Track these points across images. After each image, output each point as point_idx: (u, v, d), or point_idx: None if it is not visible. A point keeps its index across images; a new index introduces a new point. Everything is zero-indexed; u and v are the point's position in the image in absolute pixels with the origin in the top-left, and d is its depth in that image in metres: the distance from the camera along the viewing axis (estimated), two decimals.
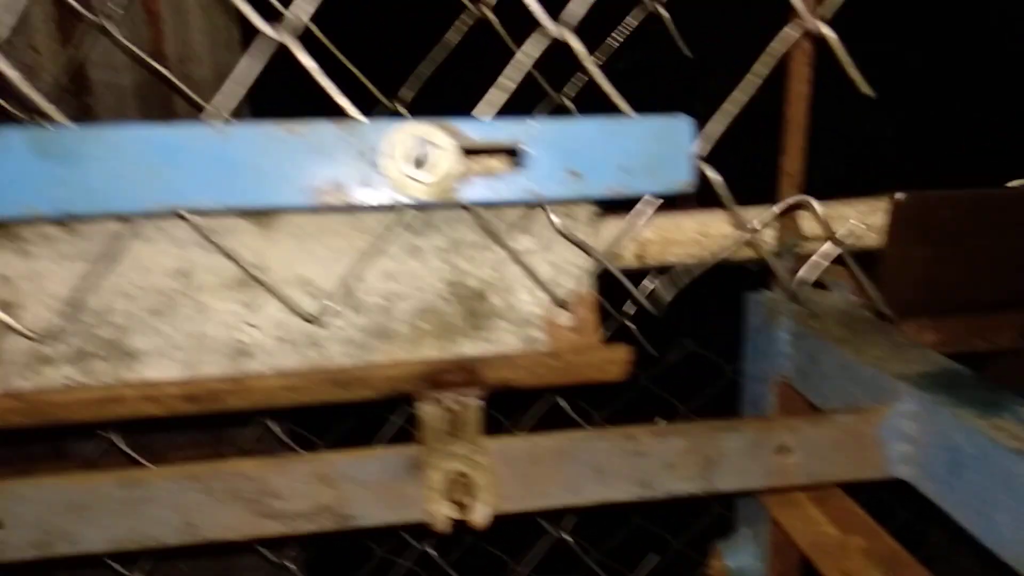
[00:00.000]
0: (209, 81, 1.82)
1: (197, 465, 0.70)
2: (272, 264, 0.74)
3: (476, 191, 0.62)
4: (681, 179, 0.63)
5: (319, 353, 0.74)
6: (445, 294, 0.76)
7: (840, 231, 0.95)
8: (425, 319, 0.76)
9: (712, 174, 0.66)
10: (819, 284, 1.07)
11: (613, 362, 0.68)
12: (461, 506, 0.72)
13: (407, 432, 1.37)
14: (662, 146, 0.62)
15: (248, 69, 0.64)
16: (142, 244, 0.73)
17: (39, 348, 0.69)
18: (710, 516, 1.82)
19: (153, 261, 0.73)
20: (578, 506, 0.75)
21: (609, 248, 0.76)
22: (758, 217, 0.88)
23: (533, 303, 0.76)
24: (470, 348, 0.76)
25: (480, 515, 0.72)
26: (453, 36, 1.24)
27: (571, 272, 0.76)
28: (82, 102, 1.82)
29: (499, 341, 0.76)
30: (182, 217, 0.66)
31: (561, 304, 0.76)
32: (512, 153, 0.64)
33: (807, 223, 1.02)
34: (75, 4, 1.25)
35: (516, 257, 0.72)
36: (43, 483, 0.69)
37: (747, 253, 1.02)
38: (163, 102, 1.83)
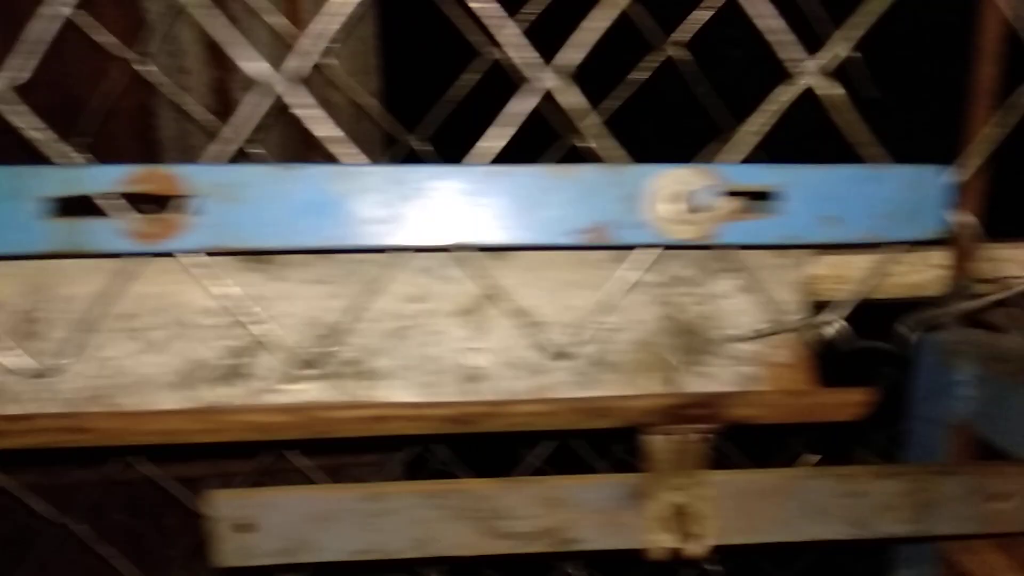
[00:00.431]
0: (344, 107, 1.89)
1: (434, 483, 0.73)
2: (498, 294, 0.78)
3: (735, 233, 0.65)
4: (934, 225, 0.65)
5: (544, 381, 0.77)
6: (661, 328, 0.78)
7: (1016, 272, 0.95)
8: (642, 352, 0.78)
9: (966, 219, 0.68)
10: (991, 326, 1.06)
11: (851, 404, 0.69)
12: (681, 536, 0.74)
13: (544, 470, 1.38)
14: (916, 194, 0.64)
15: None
16: (383, 270, 0.77)
17: (294, 368, 0.73)
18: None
19: (393, 287, 0.77)
20: (792, 542, 0.76)
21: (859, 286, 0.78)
22: (936, 256, 0.89)
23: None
24: (685, 382, 0.78)
25: (700, 546, 0.74)
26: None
27: (786, 310, 0.78)
28: (225, 122, 1.91)
29: (714, 376, 0.78)
30: (428, 250, 0.70)
31: (776, 342, 0.78)
32: (763, 196, 0.66)
33: (982, 264, 1.02)
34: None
35: (769, 296, 0.75)
36: (293, 492, 0.73)
37: (920, 291, 1.03)
38: (300, 124, 1.90)
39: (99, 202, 0.60)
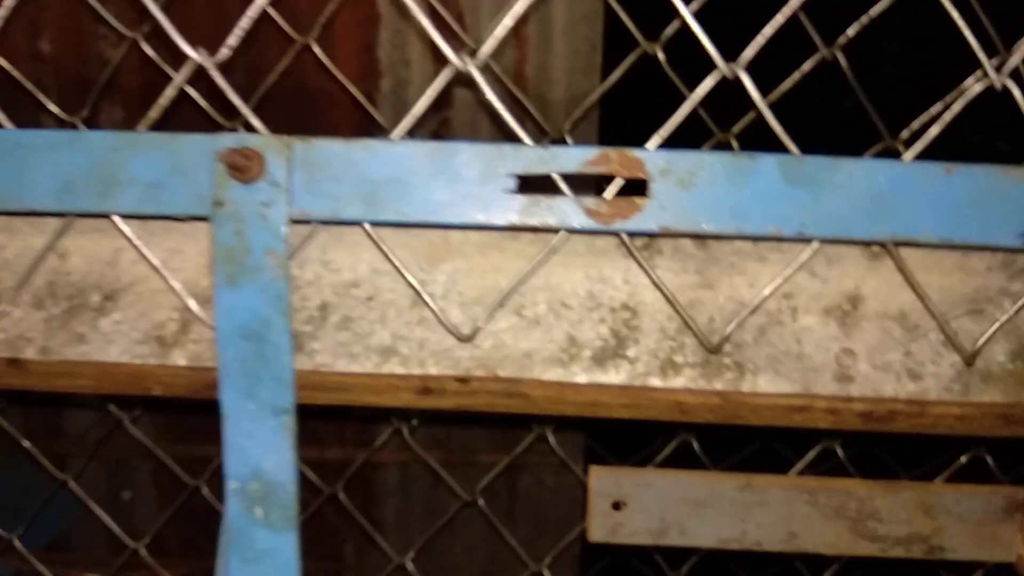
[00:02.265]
0: (562, 103, 1.92)
1: (811, 479, 0.74)
2: (869, 294, 0.78)
3: None
4: None
5: (917, 386, 0.76)
6: None
7: None
8: (1020, 360, 0.77)
9: None
10: None
11: None
12: None
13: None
14: None
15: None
16: (758, 264, 0.78)
17: (671, 355, 0.75)
18: None
19: (759, 279, 0.77)
20: None
21: None
22: None
23: None
24: None
25: None
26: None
27: None
28: (442, 115, 1.97)
29: None
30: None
31: None
32: None
33: None
34: (449, 19, 1.33)
35: None
36: (668, 475, 0.75)
37: None
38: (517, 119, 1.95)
39: (558, 182, 0.63)
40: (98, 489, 2.19)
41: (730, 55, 0.67)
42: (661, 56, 1.17)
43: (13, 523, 1.82)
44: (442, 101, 1.94)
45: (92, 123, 1.29)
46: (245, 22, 0.64)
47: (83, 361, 0.68)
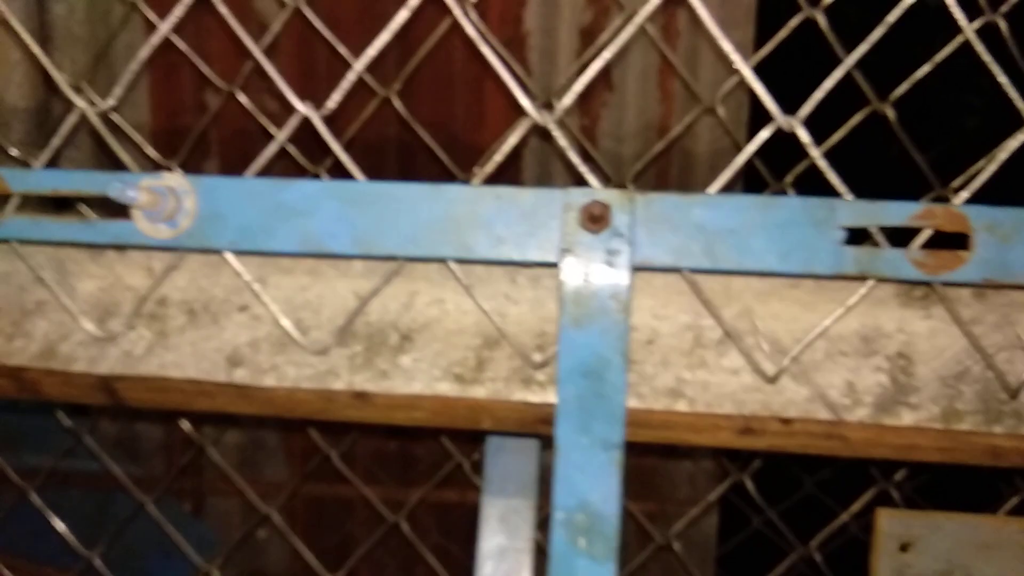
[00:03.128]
0: (705, 156, 1.98)
1: None
2: None
3: None
4: None
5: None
6: None
7: None
8: None
9: None
10: None
11: None
12: None
13: None
14: None
15: None
16: None
17: (952, 402, 0.78)
18: None
19: None
20: None
21: None
22: None
23: None
24: None
25: None
26: None
27: None
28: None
29: None
30: None
31: None
32: None
33: None
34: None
35: None
36: (956, 518, 0.77)
37: None
38: (659, 173, 2.01)
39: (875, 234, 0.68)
40: (233, 526, 2.25)
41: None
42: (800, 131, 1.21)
43: (156, 557, 1.89)
44: (586, 155, 2.00)
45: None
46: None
47: (422, 395, 0.73)
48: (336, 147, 0.75)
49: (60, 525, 1.31)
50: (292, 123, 0.74)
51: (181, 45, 1.25)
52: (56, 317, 0.87)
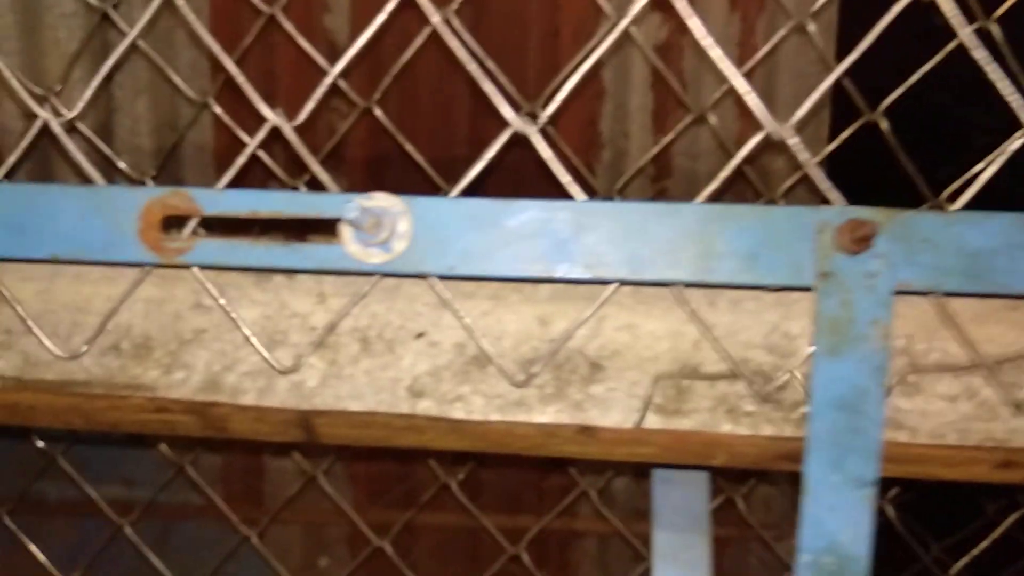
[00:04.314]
0: (782, 171, 1.94)
1: None
2: None
3: None
4: None
5: None
6: None
7: None
8: None
9: None
10: None
11: None
12: None
13: None
14: None
15: None
16: None
17: None
18: None
19: None
20: None
21: None
22: None
23: None
24: None
25: None
26: None
27: None
28: (659, 185, 2.00)
29: None
30: None
31: None
32: None
33: None
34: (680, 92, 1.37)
35: None
36: None
37: None
38: (726, 187, 1.97)
39: None
40: (293, 554, 2.18)
41: None
42: (885, 125, 1.16)
43: None
44: (661, 171, 1.96)
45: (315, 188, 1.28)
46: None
47: (656, 430, 0.68)
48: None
49: (156, 560, 1.25)
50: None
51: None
52: (217, 347, 0.81)
